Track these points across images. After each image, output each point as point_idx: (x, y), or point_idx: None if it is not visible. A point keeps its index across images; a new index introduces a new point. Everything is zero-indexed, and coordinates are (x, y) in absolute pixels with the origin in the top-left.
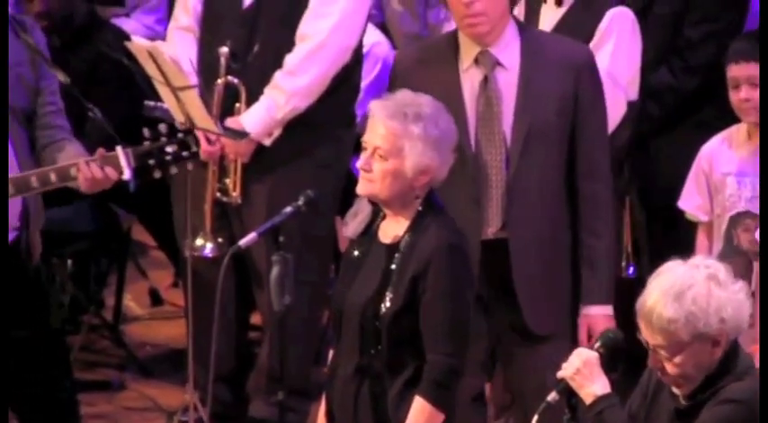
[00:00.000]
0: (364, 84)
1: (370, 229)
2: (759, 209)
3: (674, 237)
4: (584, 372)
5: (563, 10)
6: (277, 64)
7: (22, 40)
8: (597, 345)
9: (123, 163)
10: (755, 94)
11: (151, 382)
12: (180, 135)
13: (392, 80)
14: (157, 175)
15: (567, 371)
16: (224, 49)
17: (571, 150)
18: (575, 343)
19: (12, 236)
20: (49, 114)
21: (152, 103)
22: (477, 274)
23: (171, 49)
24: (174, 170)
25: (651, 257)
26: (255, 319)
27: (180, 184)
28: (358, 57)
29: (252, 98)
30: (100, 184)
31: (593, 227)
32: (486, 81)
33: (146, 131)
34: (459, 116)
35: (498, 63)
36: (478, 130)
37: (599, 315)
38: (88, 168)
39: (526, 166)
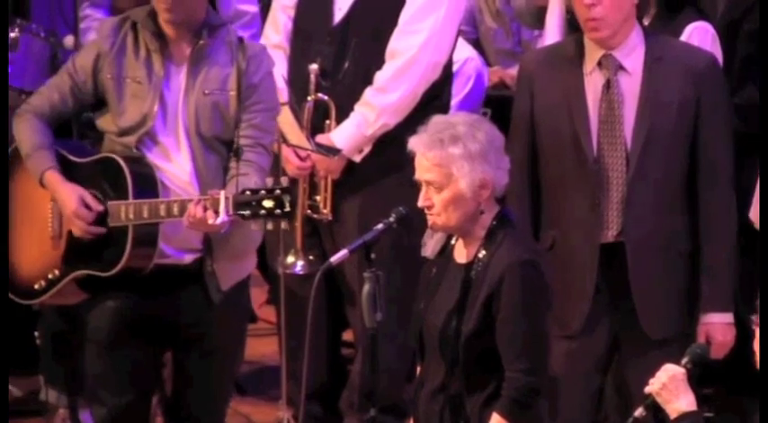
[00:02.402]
0: (455, 101)
1: (446, 249)
2: (759, 209)
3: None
4: (670, 387)
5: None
6: (367, 81)
7: (236, 69)
8: (684, 360)
9: (222, 208)
10: None
11: (245, 400)
12: (278, 192)
13: (518, 80)
14: (255, 227)
15: (653, 386)
16: (314, 67)
17: (693, 158)
18: None
19: (192, 257)
20: (241, 147)
21: None
22: (596, 278)
23: None
24: (269, 226)
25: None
26: (348, 335)
27: None
28: (448, 73)
29: (342, 115)
30: (198, 225)
31: (714, 234)
32: (608, 85)
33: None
34: (581, 119)
35: (621, 67)
36: (600, 132)
37: (719, 323)
38: (194, 207)
39: (645, 170)
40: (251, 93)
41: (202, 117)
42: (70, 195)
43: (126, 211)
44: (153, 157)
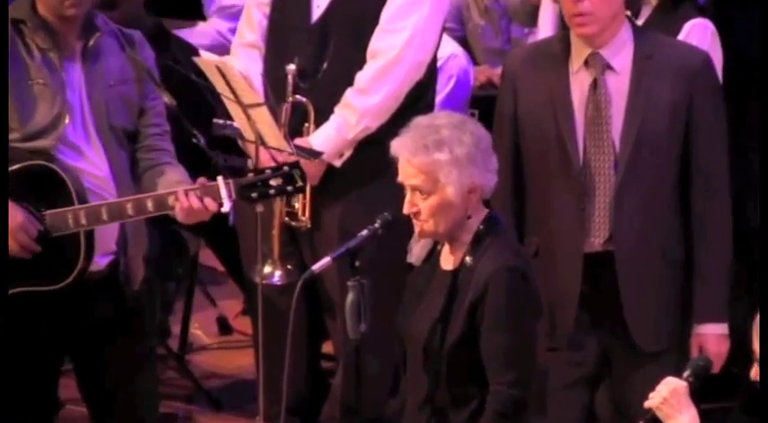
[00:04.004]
0: (438, 99)
1: (432, 255)
2: (760, 209)
3: None
4: (671, 401)
5: (639, 22)
6: (347, 82)
7: (128, 57)
8: (686, 373)
9: (224, 194)
10: None
11: (220, 415)
12: (285, 168)
13: (502, 79)
14: (260, 208)
15: (654, 400)
16: (291, 67)
17: (685, 162)
18: (685, 361)
19: (107, 260)
20: (152, 136)
21: (221, 122)
22: (582, 288)
23: (240, 66)
24: (279, 205)
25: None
26: (327, 347)
27: (247, 209)
28: (432, 73)
29: (321, 118)
30: (197, 214)
31: (708, 243)
32: (595, 84)
33: (250, 163)
34: (567, 120)
35: (609, 66)
36: (587, 135)
37: (712, 334)
38: (186, 198)
39: (635, 174)
40: (150, 78)
41: (113, 109)
42: (12, 209)
43: (75, 217)
44: (68, 159)
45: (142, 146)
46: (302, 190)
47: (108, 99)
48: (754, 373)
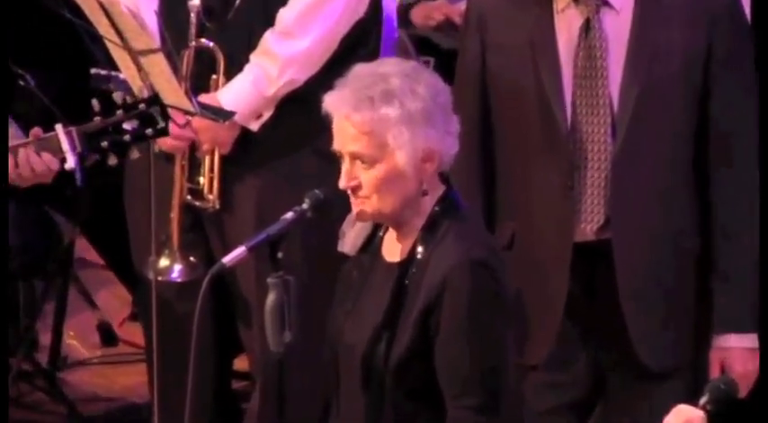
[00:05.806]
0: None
1: (372, 243)
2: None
3: None
4: None
5: None
6: (267, 22)
7: None
8: (704, 400)
9: (66, 146)
10: None
11: None
12: (141, 106)
13: (465, 20)
14: (113, 161)
15: None
16: (195, 2)
17: (702, 126)
18: (702, 383)
19: None
20: None
21: (103, 72)
22: (568, 288)
23: (129, 1)
24: (135, 154)
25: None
26: (241, 363)
27: (137, 184)
28: (376, 9)
29: (233, 68)
30: (36, 175)
31: (730, 227)
32: (587, 26)
33: (95, 103)
34: (551, 72)
35: (605, 2)
36: (576, 91)
37: (737, 348)
38: (20, 155)
39: (638, 141)
40: None
41: None
42: None
43: None
44: None
45: None
46: (165, 132)
47: None
48: None
